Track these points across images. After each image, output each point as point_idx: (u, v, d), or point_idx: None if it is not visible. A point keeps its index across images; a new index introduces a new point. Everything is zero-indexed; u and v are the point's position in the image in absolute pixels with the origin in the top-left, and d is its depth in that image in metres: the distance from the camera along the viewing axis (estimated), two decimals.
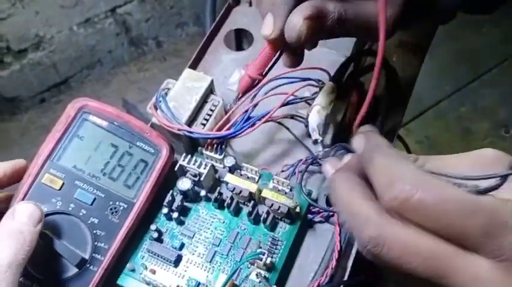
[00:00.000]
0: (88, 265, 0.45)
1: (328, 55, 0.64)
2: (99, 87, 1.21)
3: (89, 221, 0.46)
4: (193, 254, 0.48)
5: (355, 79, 0.54)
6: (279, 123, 0.55)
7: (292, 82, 0.54)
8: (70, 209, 0.46)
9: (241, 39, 0.72)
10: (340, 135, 0.56)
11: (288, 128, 0.55)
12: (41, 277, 0.43)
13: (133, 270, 0.47)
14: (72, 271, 0.44)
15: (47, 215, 0.45)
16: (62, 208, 0.45)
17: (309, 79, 0.55)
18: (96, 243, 0.45)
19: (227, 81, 0.63)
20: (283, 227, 0.49)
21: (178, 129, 0.50)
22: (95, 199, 0.46)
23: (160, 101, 0.52)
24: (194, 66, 0.64)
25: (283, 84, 0.54)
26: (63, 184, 0.46)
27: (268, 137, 0.57)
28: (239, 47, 0.71)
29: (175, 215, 0.49)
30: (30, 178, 0.45)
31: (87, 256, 0.45)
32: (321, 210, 0.50)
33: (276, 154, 0.56)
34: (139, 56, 1.34)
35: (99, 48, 1.36)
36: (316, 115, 0.51)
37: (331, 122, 0.52)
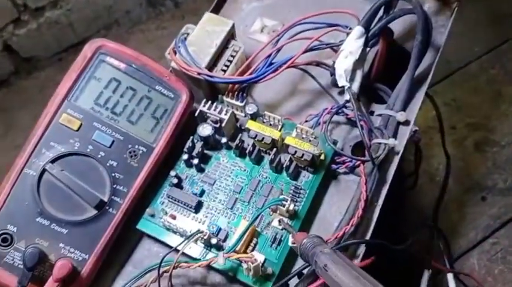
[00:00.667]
0: (107, 208, 0.44)
1: (354, 1, 0.60)
2: None
3: (108, 164, 0.45)
4: (213, 200, 0.47)
5: (384, 26, 0.51)
6: (303, 70, 0.52)
7: (318, 27, 0.52)
8: (88, 150, 0.44)
9: None
10: (368, 85, 0.54)
11: (312, 76, 0.52)
12: (60, 218, 0.42)
13: (152, 215, 0.46)
14: (91, 212, 0.43)
15: (65, 155, 0.44)
16: (80, 149, 0.44)
17: (336, 25, 0.52)
18: (115, 186, 0.44)
19: (248, 31, 0.60)
20: (306, 176, 0.47)
21: (198, 74, 0.48)
22: (113, 141, 0.45)
23: (179, 46, 0.50)
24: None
25: (308, 30, 0.51)
26: (81, 124, 0.45)
27: (291, 86, 0.55)
28: None
29: (195, 161, 0.47)
30: (47, 118, 0.44)
31: (106, 198, 0.44)
32: (346, 160, 0.48)
33: (299, 104, 0.54)
34: (157, 15, 1.30)
35: (116, 9, 1.33)
36: (343, 60, 0.48)
37: (358, 69, 0.49)
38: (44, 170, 0.43)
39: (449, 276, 0.75)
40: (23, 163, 0.43)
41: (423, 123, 0.88)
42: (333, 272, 0.30)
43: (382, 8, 0.51)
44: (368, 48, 0.51)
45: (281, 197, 0.44)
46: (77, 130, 0.45)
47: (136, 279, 0.44)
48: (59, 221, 0.42)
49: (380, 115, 0.52)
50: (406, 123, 0.51)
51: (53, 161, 0.43)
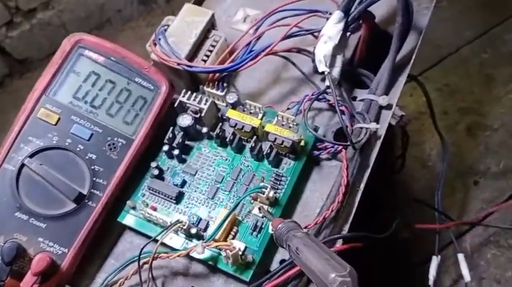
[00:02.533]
0: (86, 201, 0.44)
1: None
2: None
3: (87, 157, 0.44)
4: (195, 191, 0.46)
5: (364, 10, 0.51)
6: (284, 57, 0.52)
7: (297, 14, 0.51)
8: (67, 144, 0.44)
9: None
10: (351, 70, 0.54)
11: (293, 63, 0.52)
12: (39, 212, 0.42)
13: (133, 207, 0.46)
14: (70, 206, 0.43)
15: (43, 150, 0.44)
16: (58, 143, 0.44)
17: (316, 10, 0.51)
18: (94, 179, 0.44)
19: (231, 21, 0.60)
20: (287, 163, 0.47)
21: (178, 64, 0.48)
22: (92, 134, 0.45)
23: (159, 38, 0.50)
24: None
25: (288, 17, 0.51)
26: (59, 118, 0.45)
27: (274, 74, 0.55)
28: None
29: (176, 152, 0.47)
30: (25, 113, 0.44)
31: (85, 192, 0.44)
32: (328, 146, 0.48)
33: (282, 92, 0.54)
34: (148, 12, 1.30)
35: (108, 8, 1.33)
36: (323, 46, 0.47)
37: (338, 54, 0.49)
38: (22, 165, 0.43)
39: (460, 256, 0.72)
40: (2, 158, 0.43)
41: (415, 110, 0.87)
42: (304, 255, 0.30)
43: None
44: (348, 33, 0.51)
45: (261, 184, 0.43)
46: (55, 124, 0.44)
47: (118, 272, 0.44)
48: (37, 215, 0.42)
49: (362, 100, 0.51)
50: (388, 107, 0.51)
51: (31, 155, 0.43)
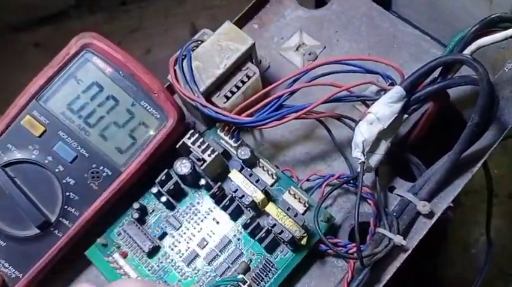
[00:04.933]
0: (52, 229, 0.39)
1: (418, 41, 0.49)
2: (172, 4, 1.11)
3: (64, 181, 0.39)
4: (172, 249, 0.40)
5: (435, 92, 0.40)
6: (320, 121, 0.43)
7: (352, 71, 0.41)
8: (46, 162, 0.39)
9: None
10: (399, 153, 0.44)
11: (329, 130, 0.43)
12: (1, 228, 0.39)
13: (105, 245, 0.41)
14: (34, 231, 0.39)
15: (20, 162, 0.39)
16: (37, 159, 0.39)
17: (377, 73, 0.41)
18: (66, 207, 0.39)
19: (281, 44, 0.51)
20: (283, 252, 0.39)
21: (191, 99, 0.41)
22: (76, 156, 0.40)
23: (183, 56, 0.42)
24: (249, 16, 0.52)
25: (340, 72, 0.41)
26: (45, 131, 0.40)
27: (308, 130, 0.46)
28: (319, 3, 0.57)
29: (163, 199, 0.41)
30: (9, 117, 0.39)
31: (53, 219, 0.39)
32: (339, 243, 0.40)
33: (310, 156, 0.45)
34: None
35: None
36: (365, 126, 0.38)
37: (385, 139, 0.39)
38: None
39: None
40: None
41: (478, 181, 0.73)
42: None
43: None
44: (406, 116, 0.41)
45: (239, 277, 0.36)
46: (39, 137, 0.39)
47: None
48: (5, 234, 0.39)
49: (400, 196, 0.42)
50: (430, 215, 0.41)
51: (6, 165, 0.39)
